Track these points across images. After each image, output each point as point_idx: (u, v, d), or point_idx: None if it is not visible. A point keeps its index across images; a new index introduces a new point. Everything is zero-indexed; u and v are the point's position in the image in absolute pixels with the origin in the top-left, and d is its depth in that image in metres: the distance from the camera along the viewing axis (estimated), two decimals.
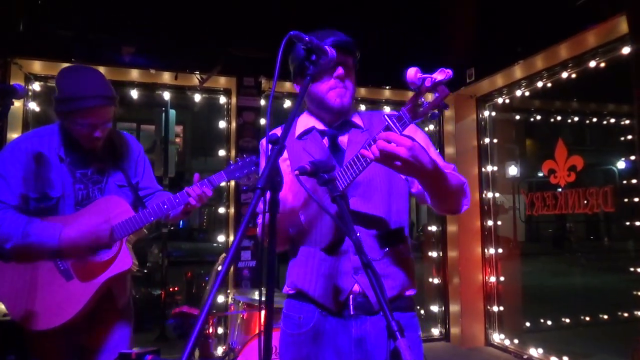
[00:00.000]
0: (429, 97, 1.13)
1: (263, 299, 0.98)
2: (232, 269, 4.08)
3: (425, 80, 1.07)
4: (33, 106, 3.85)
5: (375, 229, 1.39)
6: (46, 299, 1.84)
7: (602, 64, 3.50)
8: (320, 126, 1.48)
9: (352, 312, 1.35)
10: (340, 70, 1.39)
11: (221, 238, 4.24)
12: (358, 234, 1.00)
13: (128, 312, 2.09)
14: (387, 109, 4.79)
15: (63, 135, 1.94)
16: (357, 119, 1.50)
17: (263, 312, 2.86)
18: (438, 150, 1.50)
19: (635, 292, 4.09)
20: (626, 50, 3.08)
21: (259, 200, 0.84)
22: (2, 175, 1.86)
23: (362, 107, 4.66)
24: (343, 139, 1.46)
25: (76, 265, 1.87)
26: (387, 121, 1.14)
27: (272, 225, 0.91)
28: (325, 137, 1.46)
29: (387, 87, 4.56)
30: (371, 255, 1.36)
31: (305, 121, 1.52)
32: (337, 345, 1.37)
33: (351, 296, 1.36)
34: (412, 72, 1.08)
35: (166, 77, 4.05)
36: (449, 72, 1.07)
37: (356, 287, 1.36)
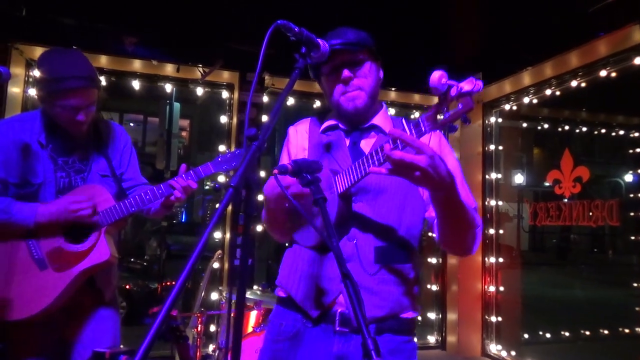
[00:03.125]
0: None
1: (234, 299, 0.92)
2: (226, 266, 4.03)
3: (451, 89, 0.96)
4: (33, 92, 3.80)
5: (376, 240, 1.30)
6: (18, 289, 1.78)
7: (613, 74, 3.41)
8: (345, 125, 1.43)
9: (337, 328, 1.26)
10: (345, 73, 1.32)
11: (217, 234, 4.19)
12: (337, 243, 0.93)
13: (114, 305, 2.03)
14: (392, 111, 4.72)
15: (45, 121, 1.90)
16: (386, 125, 1.42)
17: (255, 313, 2.76)
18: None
19: (637, 308, 4.00)
20: (638, 60, 2.99)
21: (231, 200, 0.78)
22: None
23: None
24: (366, 143, 1.40)
25: (51, 255, 1.82)
26: (403, 127, 1.05)
27: (246, 228, 0.84)
28: (348, 137, 1.41)
29: (393, 89, 4.49)
30: (365, 267, 1.27)
31: (332, 118, 1.47)
32: None
33: (339, 310, 1.27)
34: (436, 77, 0.96)
35: (168, 69, 4.00)
36: (478, 84, 0.95)
37: (341, 298, 1.27)
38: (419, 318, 4.79)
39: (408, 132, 1.03)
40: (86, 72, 1.78)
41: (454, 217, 1.16)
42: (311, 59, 1.12)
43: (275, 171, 1.01)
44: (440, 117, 1.00)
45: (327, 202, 1.00)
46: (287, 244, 1.47)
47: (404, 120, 1.06)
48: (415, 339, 1.37)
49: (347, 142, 1.41)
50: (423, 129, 1.03)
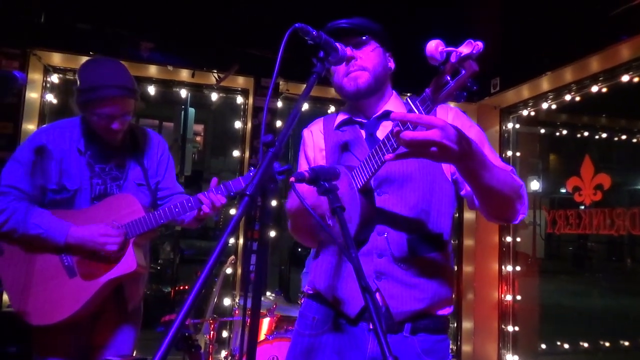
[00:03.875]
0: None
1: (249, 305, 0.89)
2: (239, 272, 4.01)
3: (451, 56, 0.92)
4: (50, 98, 3.84)
5: (407, 232, 1.26)
6: (47, 294, 1.81)
7: (636, 79, 3.32)
8: (358, 117, 1.41)
9: (370, 327, 1.24)
10: (348, 52, 1.26)
11: (231, 240, 4.18)
12: (356, 254, 0.89)
13: (136, 316, 2.05)
14: None
15: (84, 129, 1.94)
16: (395, 108, 1.39)
17: (267, 320, 2.74)
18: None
19: None
20: None
21: (247, 209, 0.75)
22: (21, 163, 1.86)
23: None
24: (382, 132, 1.37)
25: (81, 263, 1.84)
26: (409, 104, 1.01)
27: (262, 237, 0.81)
28: (363, 129, 1.39)
29: (408, 95, 4.43)
30: (399, 261, 1.24)
31: (344, 113, 1.46)
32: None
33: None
34: (432, 45, 0.93)
35: (184, 74, 4.01)
36: (478, 45, 0.89)
37: (377, 296, 1.24)
38: None
39: (416, 110, 0.99)
40: (121, 82, 1.81)
41: (490, 183, 1.08)
42: (329, 63, 1.10)
43: (292, 179, 0.98)
44: (443, 88, 0.95)
45: (346, 206, 0.98)
46: (314, 254, 1.46)
47: (409, 99, 1.01)
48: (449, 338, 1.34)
49: (363, 134, 1.38)
50: (430, 103, 0.98)
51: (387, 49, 1.41)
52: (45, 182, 1.87)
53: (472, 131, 1.31)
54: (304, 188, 1.10)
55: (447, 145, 0.94)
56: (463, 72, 0.92)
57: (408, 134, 0.95)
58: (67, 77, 3.91)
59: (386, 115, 1.38)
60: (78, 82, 1.83)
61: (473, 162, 1.03)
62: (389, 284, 1.23)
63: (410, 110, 1.00)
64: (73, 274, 1.83)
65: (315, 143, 1.47)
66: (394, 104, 1.40)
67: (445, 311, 1.30)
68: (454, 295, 1.33)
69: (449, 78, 0.94)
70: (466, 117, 1.38)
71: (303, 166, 1.50)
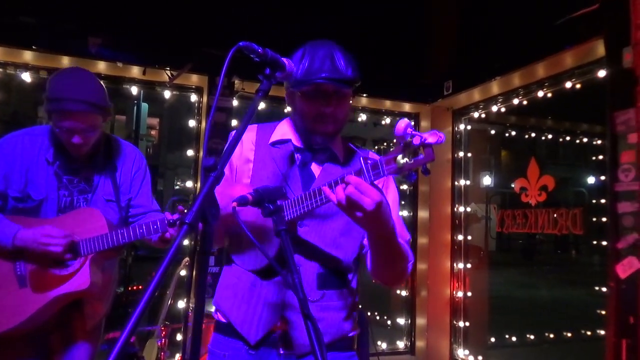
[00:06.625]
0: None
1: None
2: (194, 274, 3.94)
3: (414, 138, 0.97)
4: None
5: (319, 266, 1.29)
6: None
7: (578, 85, 3.49)
8: (297, 142, 1.37)
9: (281, 352, 1.25)
10: (329, 110, 1.26)
11: (185, 241, 4.09)
12: (299, 280, 0.89)
13: (95, 334, 1.99)
14: (363, 117, 4.72)
15: (53, 138, 1.88)
16: (338, 149, 1.38)
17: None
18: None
19: (599, 311, 4.10)
20: (602, 73, 3.06)
21: (185, 237, 0.74)
22: None
23: None
24: (316, 166, 1.35)
25: (34, 274, 1.78)
26: (361, 164, 1.04)
27: (201, 266, 0.80)
28: (299, 154, 1.36)
29: (364, 95, 4.48)
30: (308, 294, 1.23)
31: (285, 130, 1.40)
32: None
33: (279, 332, 1.25)
34: (402, 126, 0.97)
35: (135, 71, 3.87)
36: (441, 136, 0.97)
37: (282, 324, 1.25)
38: (389, 322, 4.77)
39: (366, 173, 1.03)
40: (85, 96, 1.74)
41: (388, 255, 1.20)
42: (276, 79, 1.08)
43: (234, 204, 0.96)
44: (399, 163, 1.02)
45: (268, 235, 0.98)
46: (225, 258, 1.41)
47: (362, 159, 1.04)
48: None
49: (297, 159, 1.35)
50: (381, 172, 1.02)
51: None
52: (7, 189, 1.82)
53: (390, 190, 1.40)
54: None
55: (372, 217, 1.02)
56: (421, 157, 0.98)
57: (350, 189, 1.01)
58: (8, 71, 3.70)
59: (325, 149, 1.36)
60: (46, 90, 1.78)
61: (385, 240, 1.15)
62: (295, 315, 1.24)
63: (361, 171, 1.04)
64: (24, 285, 1.76)
65: (243, 153, 1.39)
66: (337, 142, 1.40)
67: (352, 334, 1.35)
68: (356, 325, 1.38)
69: (406, 157, 1.01)
70: (392, 180, 1.45)
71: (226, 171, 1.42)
